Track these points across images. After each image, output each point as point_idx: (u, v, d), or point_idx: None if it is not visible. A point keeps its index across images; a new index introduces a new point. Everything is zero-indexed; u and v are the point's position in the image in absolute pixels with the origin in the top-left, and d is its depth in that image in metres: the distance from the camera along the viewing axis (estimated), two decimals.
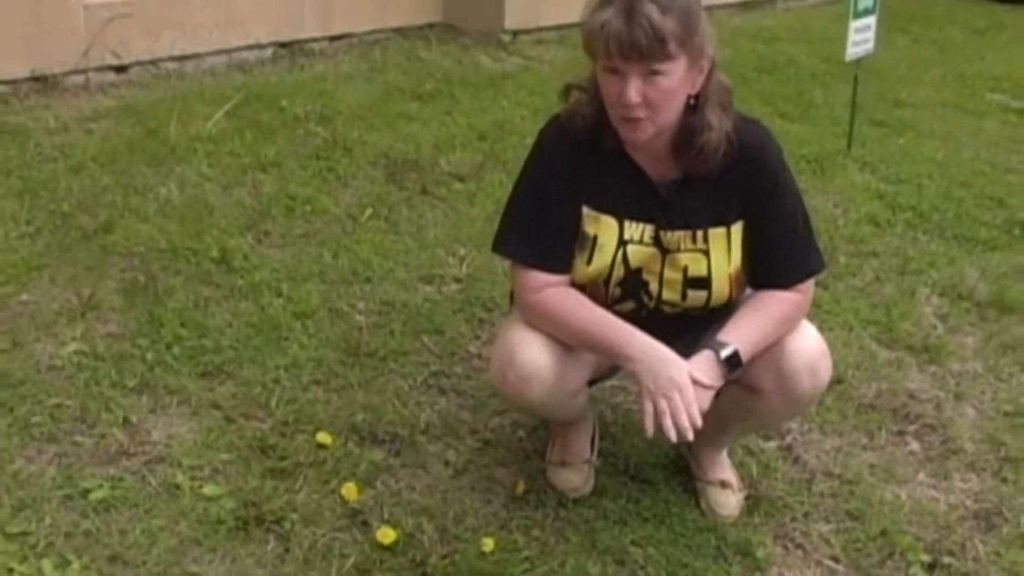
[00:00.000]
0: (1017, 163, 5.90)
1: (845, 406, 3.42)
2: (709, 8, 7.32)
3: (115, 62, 5.49)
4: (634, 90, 2.38)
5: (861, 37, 5.43)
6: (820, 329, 3.71)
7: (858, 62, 5.55)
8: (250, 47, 6.09)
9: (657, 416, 2.40)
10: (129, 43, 5.49)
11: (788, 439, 3.24)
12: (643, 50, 2.34)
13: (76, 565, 2.44)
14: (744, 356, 2.50)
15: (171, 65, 5.73)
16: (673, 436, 2.40)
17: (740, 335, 2.51)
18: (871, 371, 3.63)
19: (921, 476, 3.17)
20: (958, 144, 6.08)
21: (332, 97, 5.51)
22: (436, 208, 4.40)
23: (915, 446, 3.31)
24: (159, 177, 4.35)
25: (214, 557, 2.53)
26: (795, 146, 5.63)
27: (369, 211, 4.30)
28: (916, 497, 3.06)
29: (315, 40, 6.42)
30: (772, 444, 3.22)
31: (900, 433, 3.36)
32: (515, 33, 6.85)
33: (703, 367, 2.46)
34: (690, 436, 2.41)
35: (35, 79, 5.22)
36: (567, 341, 2.55)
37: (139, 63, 5.60)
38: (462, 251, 4.03)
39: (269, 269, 3.76)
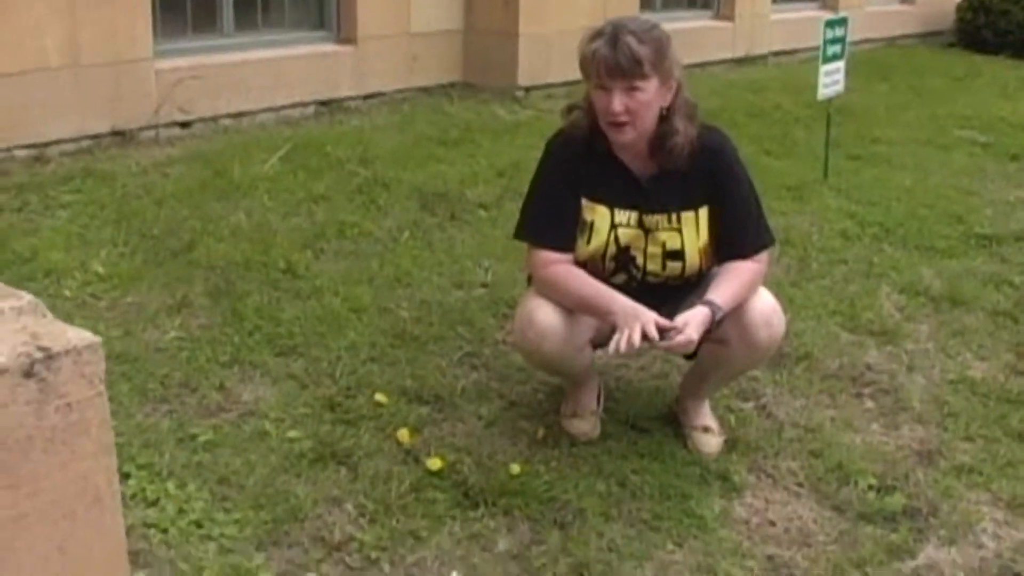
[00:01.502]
0: (979, 188, 6.56)
1: (812, 376, 4.03)
2: (707, 64, 8.20)
3: (181, 119, 6.28)
4: (618, 101, 3.11)
5: (831, 79, 6.16)
6: (793, 319, 4.43)
7: (830, 101, 6.27)
8: (294, 105, 6.87)
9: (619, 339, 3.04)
10: (193, 103, 6.28)
11: (763, 400, 3.84)
12: (624, 70, 3.08)
13: (192, 486, 3.09)
14: (726, 313, 3.16)
15: (228, 121, 6.52)
16: (622, 347, 3.03)
17: (724, 297, 3.15)
18: (835, 349, 4.25)
19: (874, 426, 3.76)
20: (926, 173, 6.75)
21: (369, 144, 6.25)
22: (464, 231, 5.10)
23: (870, 404, 3.90)
24: (229, 208, 5.09)
25: (299, 480, 3.17)
26: (778, 178, 6.33)
27: (407, 233, 5.01)
28: (869, 441, 3.64)
29: (351, 99, 7.21)
30: (749, 404, 3.82)
31: (858, 395, 3.96)
32: (527, 89, 7.60)
33: (703, 321, 3.09)
34: (621, 348, 3.04)
35: (115, 133, 5.99)
36: (568, 305, 3.22)
37: (202, 119, 6.38)
38: (487, 263, 4.70)
39: (327, 277, 4.46)
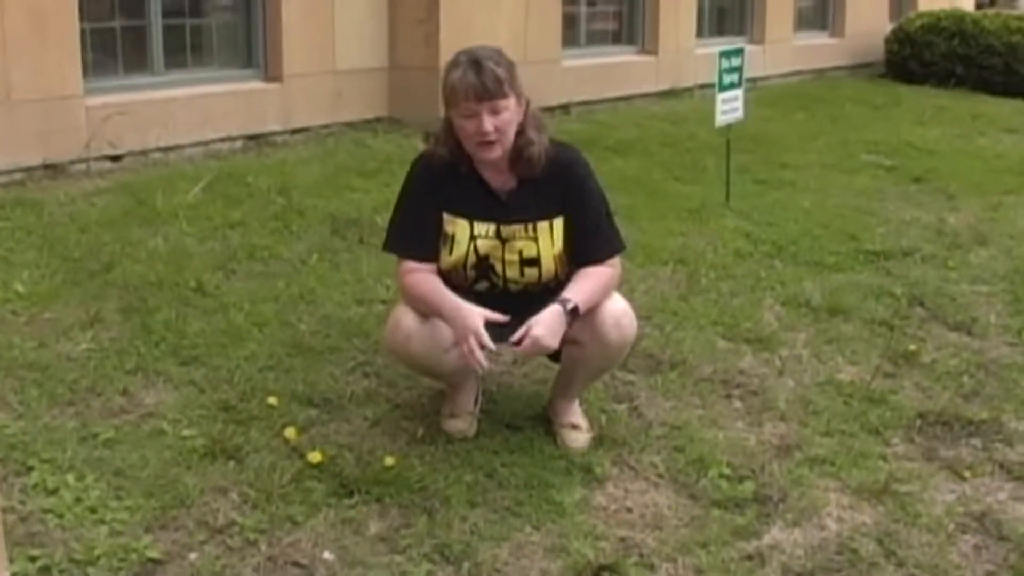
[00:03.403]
0: (878, 208, 6.91)
1: (685, 380, 4.31)
2: (632, 97, 8.55)
3: (111, 152, 6.58)
4: (488, 122, 3.45)
5: (729, 107, 6.52)
6: (675, 329, 4.71)
7: (729, 128, 6.62)
8: (222, 140, 7.20)
9: (464, 354, 3.41)
10: (123, 137, 6.58)
11: (635, 402, 4.12)
12: (491, 92, 3.43)
13: (90, 478, 3.36)
14: (581, 308, 3.46)
15: (157, 155, 6.84)
16: (475, 365, 3.40)
17: (577, 295, 3.48)
18: (711, 356, 4.53)
19: (739, 424, 4.03)
20: (827, 195, 7.10)
21: (290, 175, 6.57)
22: (371, 253, 5.37)
23: (738, 405, 4.18)
24: (148, 234, 5.38)
25: (189, 472, 3.44)
26: (682, 201, 6.68)
27: (316, 256, 5.31)
28: (732, 437, 3.91)
29: (277, 133, 7.54)
30: (623, 405, 4.09)
31: (728, 396, 4.23)
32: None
33: (553, 317, 3.41)
34: (483, 364, 3.41)
35: (46, 167, 6.29)
36: (419, 308, 3.55)
37: (131, 153, 6.69)
38: (389, 282, 4.96)
39: (235, 295, 4.75)
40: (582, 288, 3.52)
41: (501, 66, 3.46)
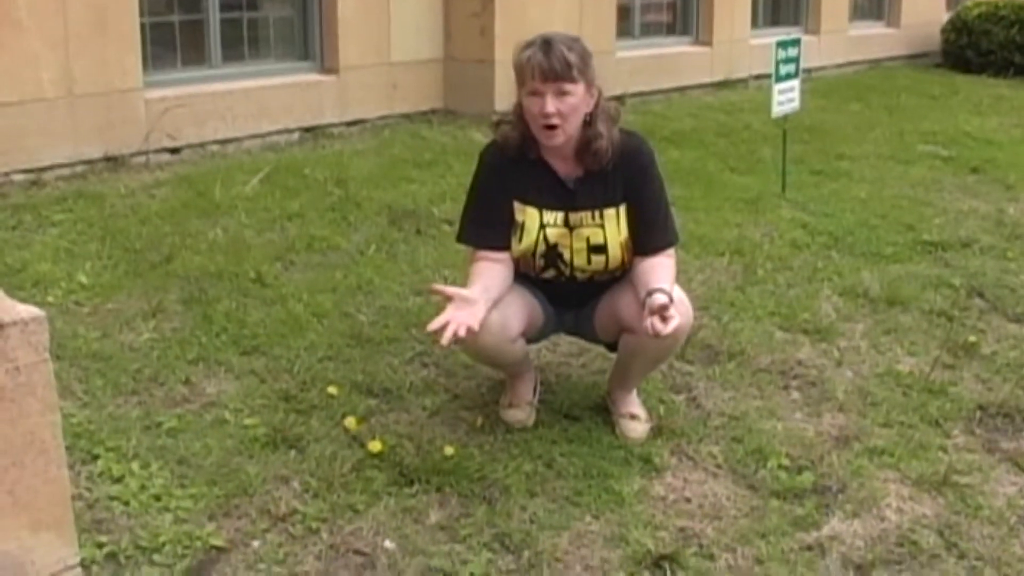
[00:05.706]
0: (935, 198, 6.83)
1: (743, 370, 4.30)
2: (686, 88, 8.53)
3: (170, 145, 6.67)
4: (551, 104, 3.46)
5: (785, 97, 6.48)
6: (732, 320, 4.70)
7: (785, 118, 6.59)
8: (279, 132, 7.26)
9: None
10: (181, 130, 6.67)
11: (693, 392, 4.11)
12: (557, 73, 3.44)
13: (155, 466, 3.42)
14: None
15: (215, 147, 6.91)
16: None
17: (667, 287, 3.42)
18: (768, 347, 4.51)
19: (798, 415, 4.01)
20: (884, 186, 7.03)
21: (347, 167, 6.61)
22: (428, 244, 5.44)
23: (796, 395, 4.16)
24: (208, 225, 5.45)
25: (251, 461, 3.49)
26: (739, 191, 6.65)
27: (373, 247, 5.35)
28: (790, 428, 3.89)
29: (334, 125, 7.61)
30: (681, 396, 4.10)
31: (785, 387, 4.21)
32: (504, 114, 7.97)
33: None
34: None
35: (107, 159, 6.39)
36: None
37: (189, 146, 6.78)
38: (447, 272, 5.02)
39: (294, 285, 4.81)
40: (668, 279, 3.49)
41: (573, 52, 3.46)
